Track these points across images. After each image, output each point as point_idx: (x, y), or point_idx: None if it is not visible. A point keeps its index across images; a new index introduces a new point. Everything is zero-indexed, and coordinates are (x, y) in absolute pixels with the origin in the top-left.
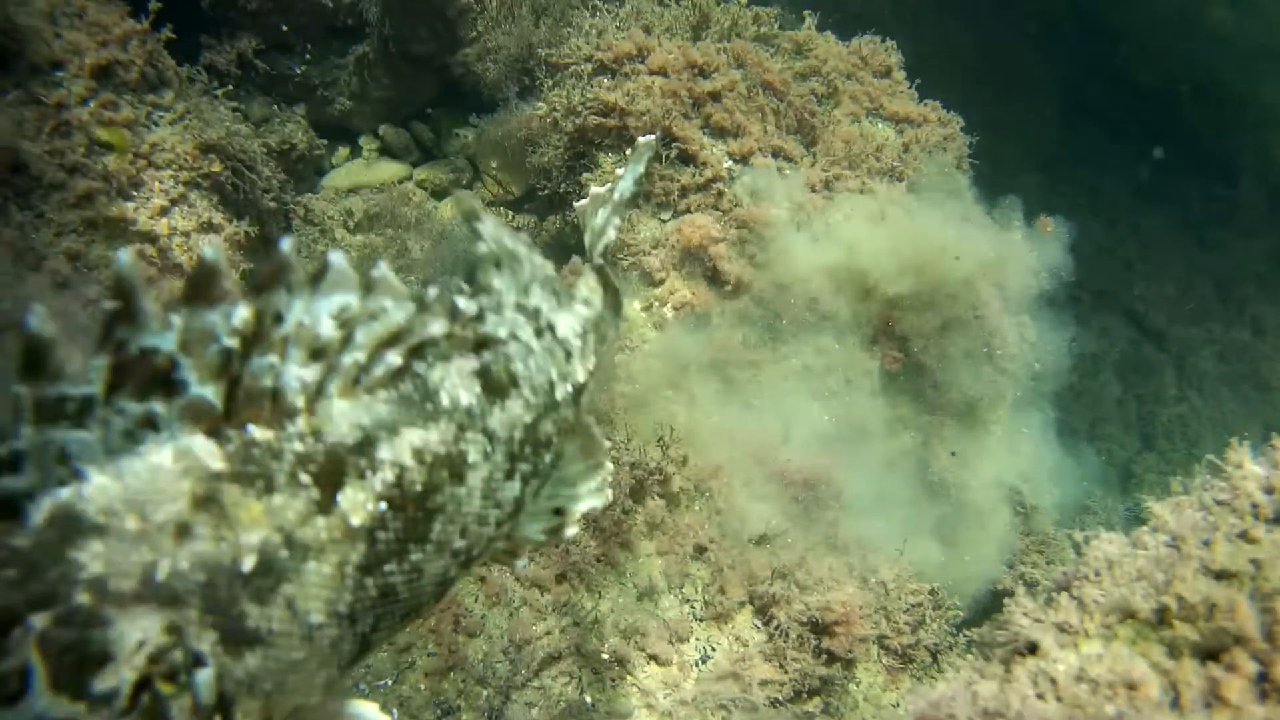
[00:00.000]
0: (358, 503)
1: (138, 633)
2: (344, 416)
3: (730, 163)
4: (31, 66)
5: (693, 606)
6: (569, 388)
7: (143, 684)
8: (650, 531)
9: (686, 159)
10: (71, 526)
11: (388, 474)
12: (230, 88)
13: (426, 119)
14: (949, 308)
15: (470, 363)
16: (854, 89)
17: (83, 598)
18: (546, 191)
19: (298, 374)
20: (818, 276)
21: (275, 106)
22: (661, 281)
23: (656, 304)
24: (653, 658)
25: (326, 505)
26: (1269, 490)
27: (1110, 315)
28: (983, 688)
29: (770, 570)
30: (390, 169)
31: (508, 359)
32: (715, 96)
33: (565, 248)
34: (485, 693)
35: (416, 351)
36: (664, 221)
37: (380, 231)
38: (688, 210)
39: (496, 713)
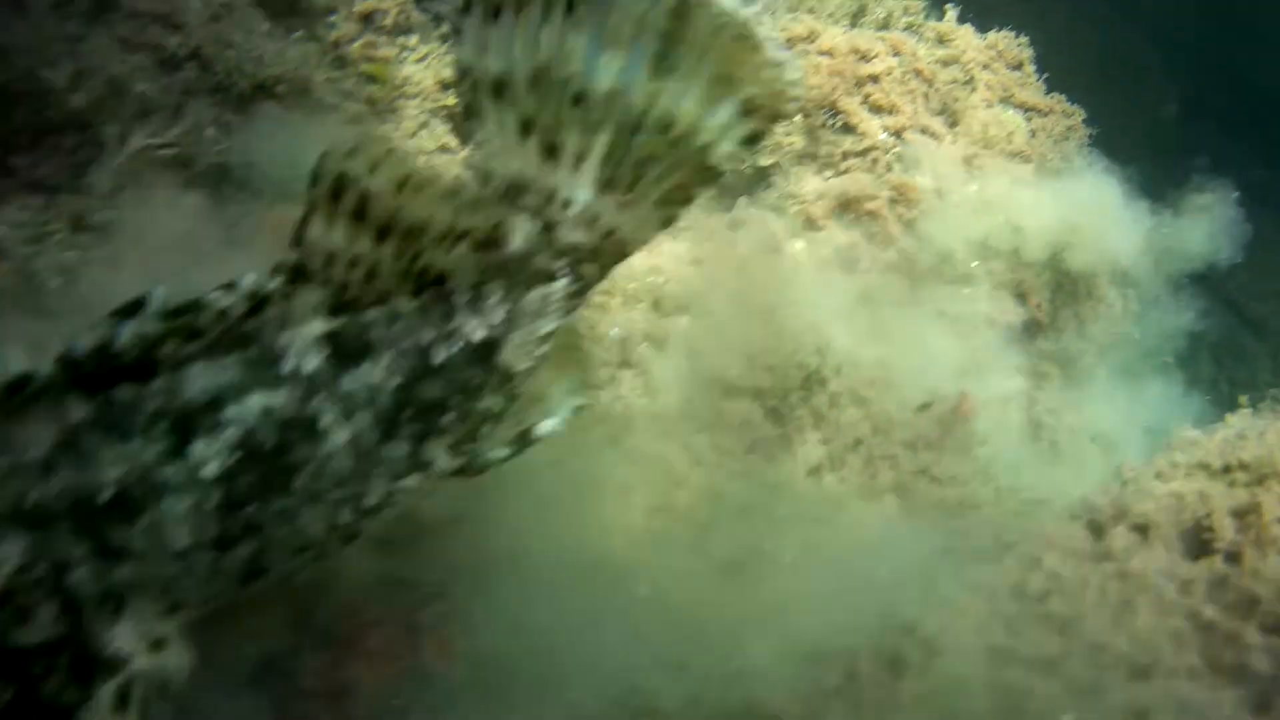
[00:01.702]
0: (209, 453)
1: (7, 552)
2: (197, 378)
3: (885, 135)
4: (314, 10)
5: (849, 485)
6: (453, 349)
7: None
8: (816, 423)
9: (848, 129)
10: None
11: (236, 430)
12: (450, 33)
13: None
14: (1063, 274)
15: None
16: (989, 78)
17: None
18: None
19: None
20: (954, 238)
21: None
22: (822, 228)
23: (818, 245)
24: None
25: (179, 453)
26: None
27: (1211, 300)
28: (1107, 487)
29: (915, 465)
30: None
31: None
32: (874, 79)
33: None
34: (689, 532)
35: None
36: (826, 179)
37: None
38: (847, 171)
39: (698, 544)
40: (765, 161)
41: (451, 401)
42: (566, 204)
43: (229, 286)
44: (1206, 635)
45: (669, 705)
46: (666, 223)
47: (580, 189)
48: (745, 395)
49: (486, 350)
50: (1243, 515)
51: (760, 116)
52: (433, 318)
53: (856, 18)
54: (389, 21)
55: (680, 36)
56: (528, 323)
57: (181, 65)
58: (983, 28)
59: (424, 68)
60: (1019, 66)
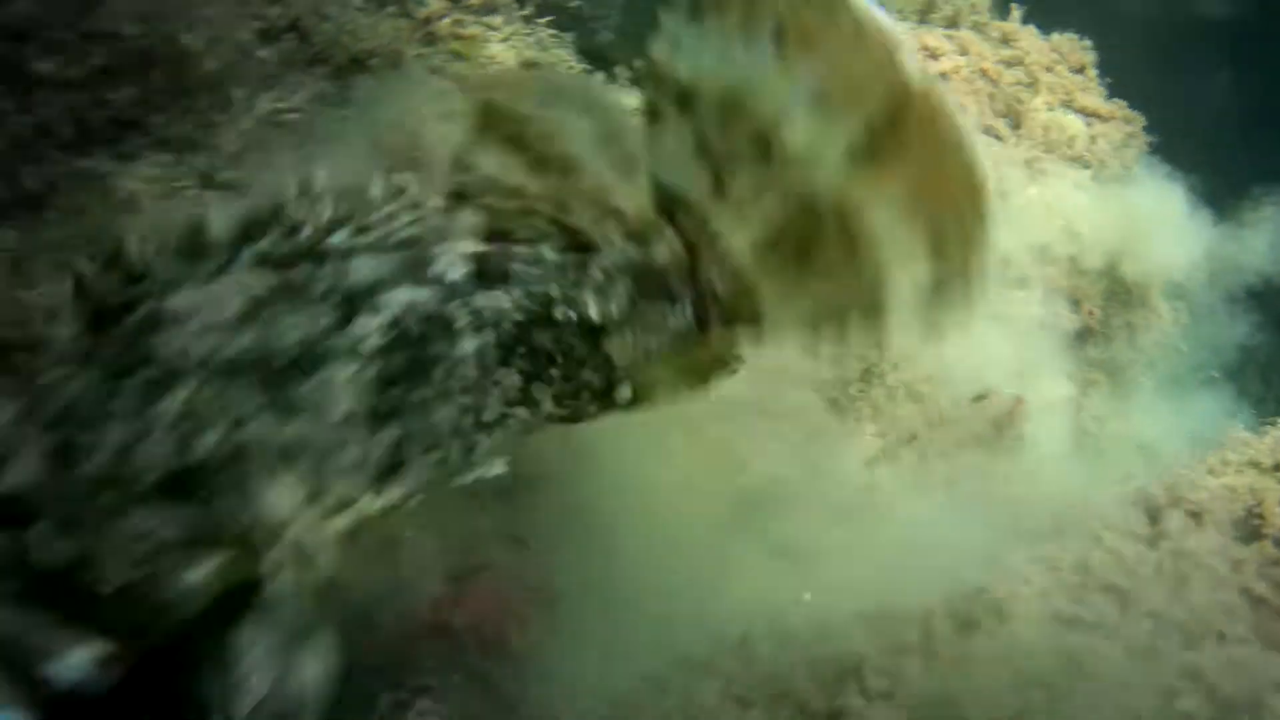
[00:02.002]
0: (369, 329)
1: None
2: (362, 267)
3: None
4: None
5: (902, 478)
6: (570, 315)
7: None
8: (874, 415)
9: None
10: (155, 321)
11: (390, 313)
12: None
13: None
14: (1118, 282)
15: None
16: (1051, 81)
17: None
18: None
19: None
20: (1013, 241)
21: (549, 31)
22: None
23: None
24: None
25: (344, 326)
26: None
27: (1264, 315)
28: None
29: (966, 462)
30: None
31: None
32: (942, 77)
33: None
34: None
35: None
36: None
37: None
38: None
39: (758, 527)
40: None
41: (558, 358)
42: (716, 242)
43: (399, 192)
44: (1257, 609)
45: (762, 650)
46: (812, 329)
47: (736, 238)
48: (807, 385)
49: (596, 332)
50: None
51: (953, 273)
52: (565, 280)
53: (925, 14)
54: (476, 1)
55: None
56: (639, 331)
57: (281, 36)
58: (1046, 29)
59: (508, 47)
60: (1081, 70)
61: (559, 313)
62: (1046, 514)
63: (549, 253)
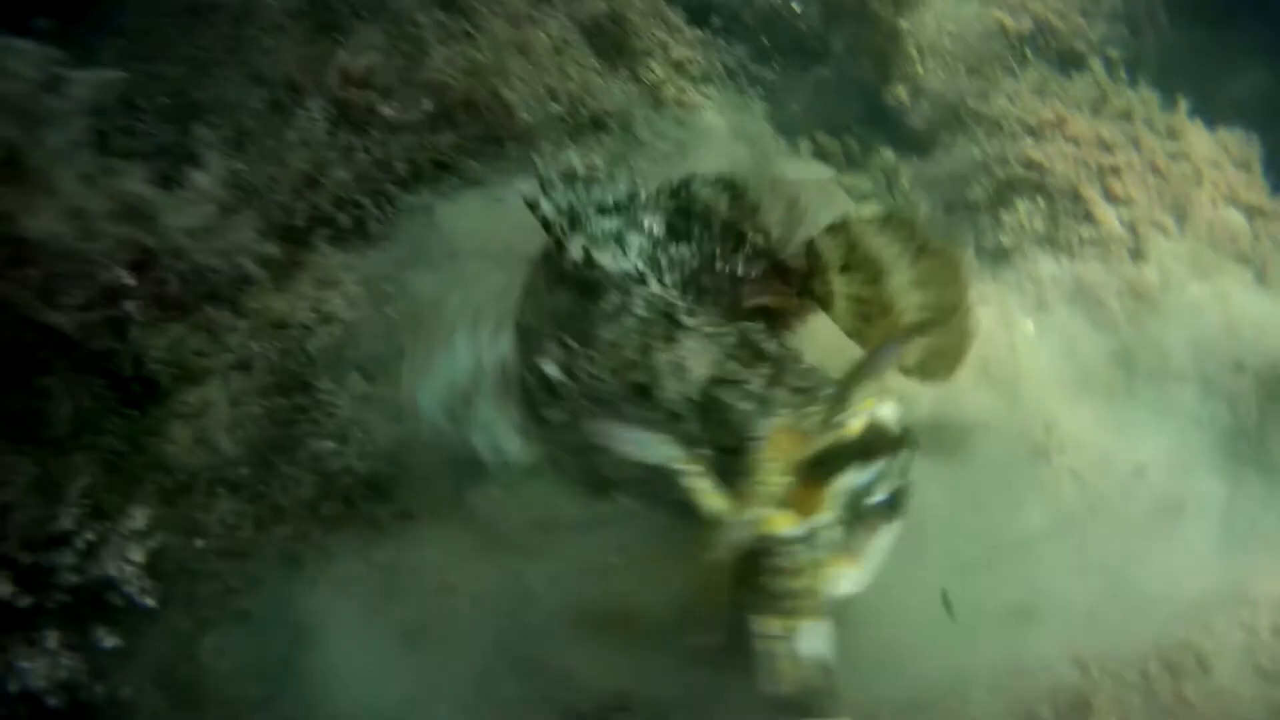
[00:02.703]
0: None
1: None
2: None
3: (1120, 226)
4: (635, 52)
5: (1063, 559)
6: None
7: None
8: (1039, 494)
9: (1088, 217)
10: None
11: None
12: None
13: (853, 133)
14: (1276, 384)
15: None
16: (1216, 176)
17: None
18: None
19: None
20: (1174, 336)
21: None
22: (1053, 311)
23: (1048, 327)
24: None
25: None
26: None
27: None
28: None
29: (1123, 549)
30: (819, 169)
31: None
32: (1115, 170)
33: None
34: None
35: None
36: (1062, 264)
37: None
38: (1083, 259)
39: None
40: (1008, 242)
41: (710, 294)
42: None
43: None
44: None
45: (1002, 682)
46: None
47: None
48: (980, 462)
49: (738, 281)
50: None
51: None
52: (725, 250)
53: (1098, 105)
54: (694, 70)
55: None
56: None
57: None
58: (1212, 124)
59: (720, 117)
60: (1247, 167)
61: (718, 266)
62: (1228, 585)
63: (717, 232)
